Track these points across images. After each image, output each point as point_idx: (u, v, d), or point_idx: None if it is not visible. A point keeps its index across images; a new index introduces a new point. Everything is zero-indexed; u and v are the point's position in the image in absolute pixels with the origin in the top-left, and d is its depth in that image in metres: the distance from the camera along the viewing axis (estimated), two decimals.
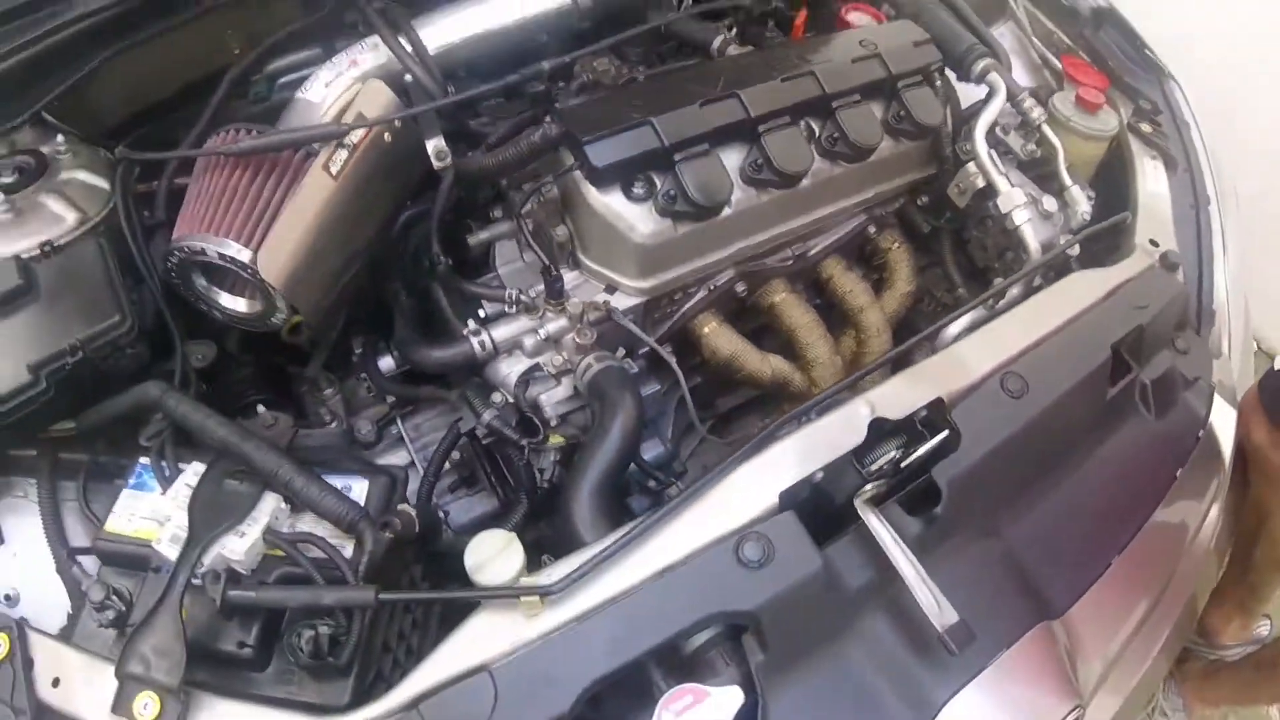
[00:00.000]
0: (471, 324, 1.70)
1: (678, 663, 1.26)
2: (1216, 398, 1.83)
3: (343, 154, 1.55)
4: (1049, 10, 2.48)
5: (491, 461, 1.84)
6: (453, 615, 1.32)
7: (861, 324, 1.97)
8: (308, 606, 1.20)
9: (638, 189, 1.66)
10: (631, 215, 1.66)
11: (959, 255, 2.14)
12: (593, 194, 1.65)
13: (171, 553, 1.23)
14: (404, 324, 1.81)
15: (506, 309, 1.71)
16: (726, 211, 1.71)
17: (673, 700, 1.20)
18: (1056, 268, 1.88)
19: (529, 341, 1.70)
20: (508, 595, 1.21)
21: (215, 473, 1.31)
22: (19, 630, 1.21)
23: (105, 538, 1.32)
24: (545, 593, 1.21)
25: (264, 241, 1.48)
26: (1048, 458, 1.59)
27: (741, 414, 2.13)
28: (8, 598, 1.38)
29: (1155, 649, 1.60)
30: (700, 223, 1.70)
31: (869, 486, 1.35)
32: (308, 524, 1.31)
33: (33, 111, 1.67)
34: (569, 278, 1.75)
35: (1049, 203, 1.91)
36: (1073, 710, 1.38)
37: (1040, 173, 2.00)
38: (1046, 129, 1.96)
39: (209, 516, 1.26)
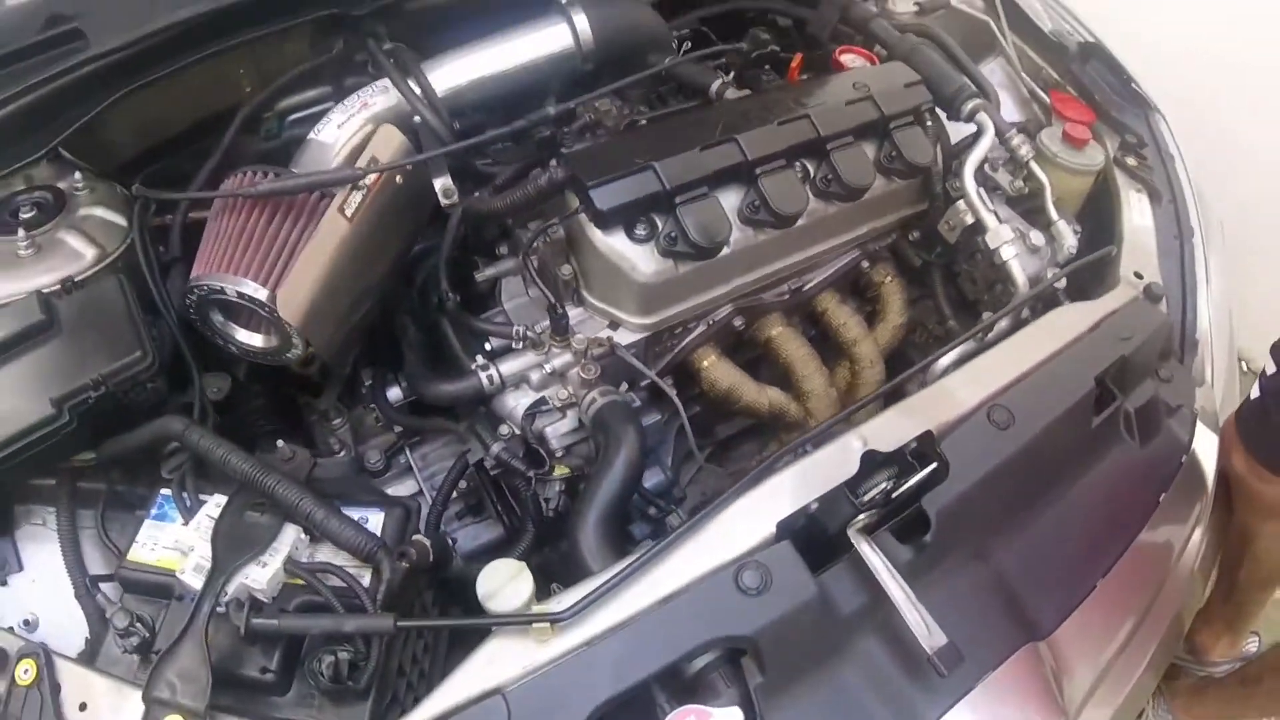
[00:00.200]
0: (480, 359, 1.73)
1: (681, 684, 1.28)
2: (1199, 424, 1.86)
3: (357, 197, 1.60)
4: (1037, 46, 2.53)
5: (498, 490, 1.88)
6: (462, 639, 1.37)
7: (855, 355, 2.01)
8: (328, 633, 1.24)
9: (640, 230, 1.70)
10: (634, 256, 1.70)
11: (950, 288, 2.17)
12: (597, 236, 1.69)
13: (195, 582, 1.27)
14: (414, 358, 1.84)
15: (513, 345, 1.75)
16: (725, 251, 1.75)
17: None
18: (1044, 300, 1.92)
19: (535, 376, 1.73)
20: (520, 622, 1.25)
21: (237, 505, 1.35)
22: (45, 656, 1.23)
23: (128, 566, 1.35)
24: (555, 619, 1.25)
25: (282, 281, 1.52)
26: (1034, 485, 1.61)
27: (740, 441, 2.17)
28: (27, 622, 1.40)
29: (1141, 666, 1.62)
30: (700, 262, 1.74)
31: (862, 516, 1.37)
32: (326, 554, 1.35)
33: (50, 147, 1.70)
34: (573, 314, 1.79)
35: (1036, 237, 1.94)
36: None
37: (1028, 207, 2.04)
38: (1034, 165, 2.00)
39: (231, 547, 1.29)
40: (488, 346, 1.79)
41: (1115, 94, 2.39)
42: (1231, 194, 3.03)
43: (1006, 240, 1.89)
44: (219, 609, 1.24)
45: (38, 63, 1.75)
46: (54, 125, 1.72)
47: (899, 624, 1.31)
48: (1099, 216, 2.17)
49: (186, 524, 1.38)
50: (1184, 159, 2.31)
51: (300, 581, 1.31)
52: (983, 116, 1.98)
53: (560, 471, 1.70)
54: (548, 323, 1.73)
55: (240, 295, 1.52)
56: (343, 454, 1.87)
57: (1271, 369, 2.02)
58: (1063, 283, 1.92)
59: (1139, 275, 1.95)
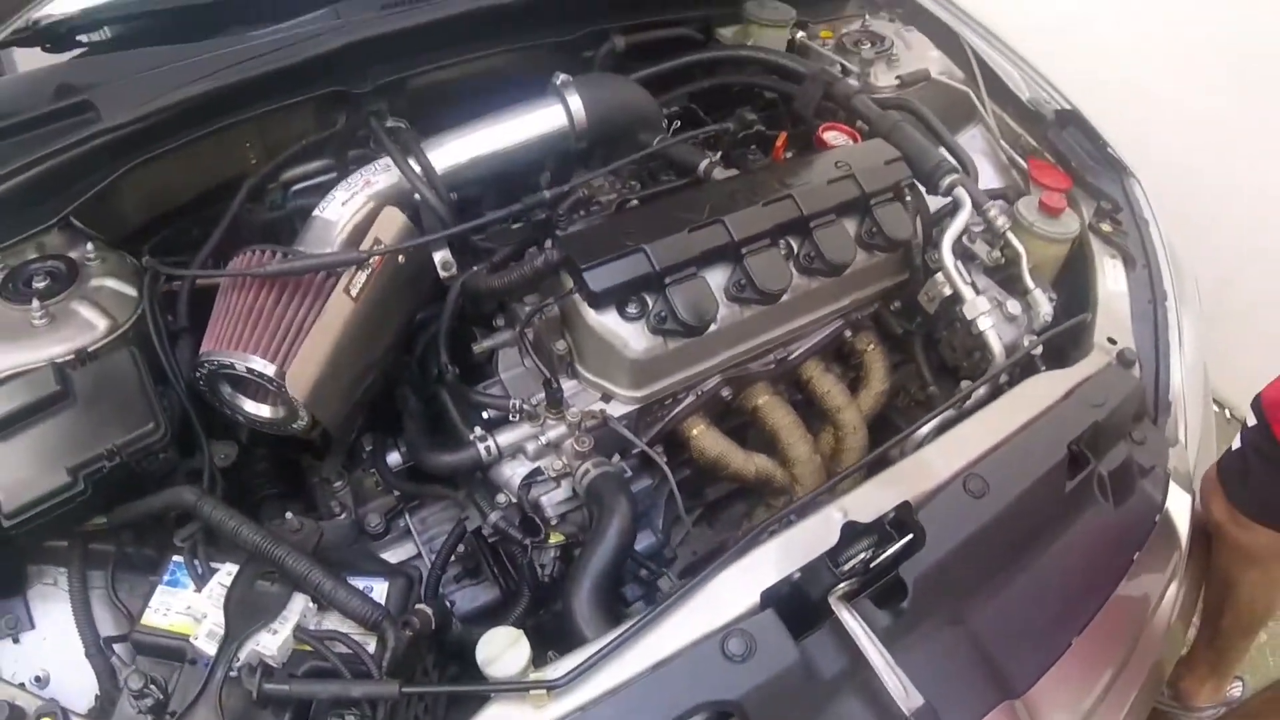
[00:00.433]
0: (478, 430, 1.78)
1: None
2: (1172, 484, 1.89)
3: (362, 277, 1.66)
4: (1016, 114, 2.59)
5: (495, 555, 1.91)
6: (462, 702, 1.40)
7: (839, 422, 2.05)
8: (336, 698, 1.28)
9: (631, 309, 1.75)
10: (626, 333, 1.76)
11: (931, 354, 2.21)
12: (591, 315, 1.75)
13: (209, 647, 1.32)
14: (414, 428, 1.89)
15: (510, 416, 1.79)
16: (713, 328, 1.80)
17: None
18: (1022, 365, 1.96)
19: (531, 446, 1.78)
20: (517, 688, 1.29)
21: (248, 574, 1.40)
22: (63, 716, 1.28)
23: (142, 631, 1.40)
24: (551, 686, 1.28)
25: (290, 358, 1.57)
26: (1010, 550, 1.64)
27: (729, 503, 2.20)
28: (38, 679, 1.43)
29: (1122, 714, 1.65)
30: (689, 339, 1.79)
31: (842, 584, 1.40)
32: (334, 622, 1.39)
33: (62, 216, 1.75)
34: (568, 387, 1.84)
35: (1013, 306, 2.00)
36: None
37: (1005, 275, 2.09)
38: (1010, 236, 2.05)
39: (243, 614, 1.34)
40: (485, 417, 1.84)
41: (1091, 159, 2.44)
42: (1217, 247, 3.11)
43: (983, 311, 1.94)
44: (232, 674, 1.29)
45: (49, 132, 1.79)
46: (65, 194, 1.77)
47: (878, 686, 1.34)
48: (1075, 282, 2.21)
49: (199, 591, 1.42)
50: (1158, 222, 2.35)
51: (309, 648, 1.35)
52: (960, 191, 2.03)
53: (555, 539, 1.74)
54: (543, 395, 1.77)
55: (250, 371, 1.57)
56: (344, 516, 1.90)
57: (1252, 421, 2.07)
58: (1039, 349, 1.96)
59: (1113, 341, 1.99)
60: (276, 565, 1.40)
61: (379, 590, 1.46)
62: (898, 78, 2.50)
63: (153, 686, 1.31)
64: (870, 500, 1.57)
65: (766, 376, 2.03)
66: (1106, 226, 2.27)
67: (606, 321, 1.76)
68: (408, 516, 1.97)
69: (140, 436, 1.48)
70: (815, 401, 2.10)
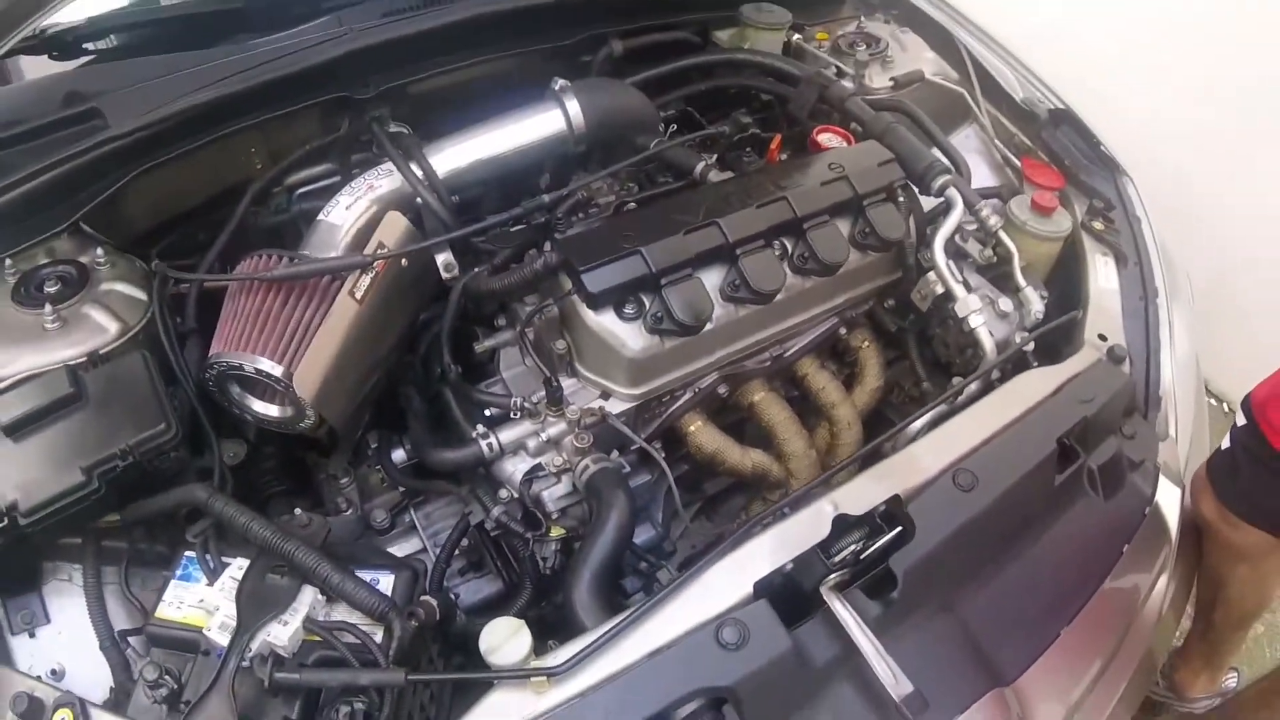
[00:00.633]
0: (480, 428, 1.81)
1: None
2: (1162, 477, 1.91)
3: (366, 280, 1.70)
4: (1010, 113, 2.60)
5: (497, 549, 1.95)
6: (466, 690, 1.44)
7: (834, 418, 2.08)
8: (345, 686, 1.32)
9: (629, 309, 1.79)
10: (623, 333, 1.79)
11: (924, 351, 2.23)
12: (589, 315, 1.78)
13: (221, 639, 1.37)
14: (418, 426, 1.92)
15: (512, 414, 1.82)
16: (708, 327, 1.82)
17: None
18: (1014, 361, 1.98)
19: (532, 443, 1.81)
20: (519, 675, 1.33)
21: (258, 568, 1.44)
22: (81, 706, 1.31)
23: (156, 623, 1.44)
24: (551, 673, 1.33)
25: (297, 359, 1.61)
26: (999, 541, 1.68)
27: (728, 496, 2.23)
28: (54, 672, 1.46)
29: (1113, 702, 1.67)
30: (685, 338, 1.82)
31: (833, 575, 1.44)
32: (342, 613, 1.43)
33: (71, 221, 1.79)
34: (567, 385, 1.87)
35: (1005, 303, 2.03)
36: None
37: (998, 273, 2.11)
38: (1003, 234, 2.07)
39: (255, 607, 1.38)
40: (488, 414, 1.87)
41: (1084, 158, 2.46)
42: (1216, 243, 3.15)
43: (974, 309, 1.96)
44: (244, 664, 1.33)
45: (58, 139, 1.84)
46: (75, 200, 1.80)
47: (869, 674, 1.38)
48: (1067, 279, 2.23)
49: (211, 584, 1.47)
50: (1150, 220, 2.36)
51: (318, 638, 1.38)
52: (952, 191, 2.04)
53: (556, 533, 1.78)
54: (544, 393, 1.81)
55: (258, 372, 1.61)
56: (350, 512, 1.94)
57: (1241, 421, 2.09)
58: (1031, 346, 1.98)
59: (1103, 337, 2.01)
60: (286, 559, 1.43)
61: (385, 583, 1.50)
62: (892, 79, 2.53)
63: (167, 677, 1.35)
64: (861, 494, 1.60)
65: (762, 373, 2.06)
66: (1099, 224, 2.29)
67: (604, 321, 1.79)
68: (413, 512, 2.00)
69: (152, 436, 1.52)
70: (811, 398, 2.13)
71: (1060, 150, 2.47)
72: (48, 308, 1.66)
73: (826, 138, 2.22)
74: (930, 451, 1.71)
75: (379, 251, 1.74)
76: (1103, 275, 2.20)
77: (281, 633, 1.36)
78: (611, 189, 2.18)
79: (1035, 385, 1.86)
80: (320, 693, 1.36)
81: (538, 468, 1.82)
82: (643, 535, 1.96)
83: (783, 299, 1.92)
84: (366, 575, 1.48)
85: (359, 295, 1.69)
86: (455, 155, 1.98)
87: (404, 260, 1.79)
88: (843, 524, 1.50)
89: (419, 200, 1.89)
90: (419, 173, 1.91)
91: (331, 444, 1.94)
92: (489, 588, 1.94)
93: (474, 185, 2.05)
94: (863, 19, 2.74)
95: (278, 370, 1.60)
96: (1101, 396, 1.84)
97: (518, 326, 1.89)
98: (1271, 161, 3.33)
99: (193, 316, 1.86)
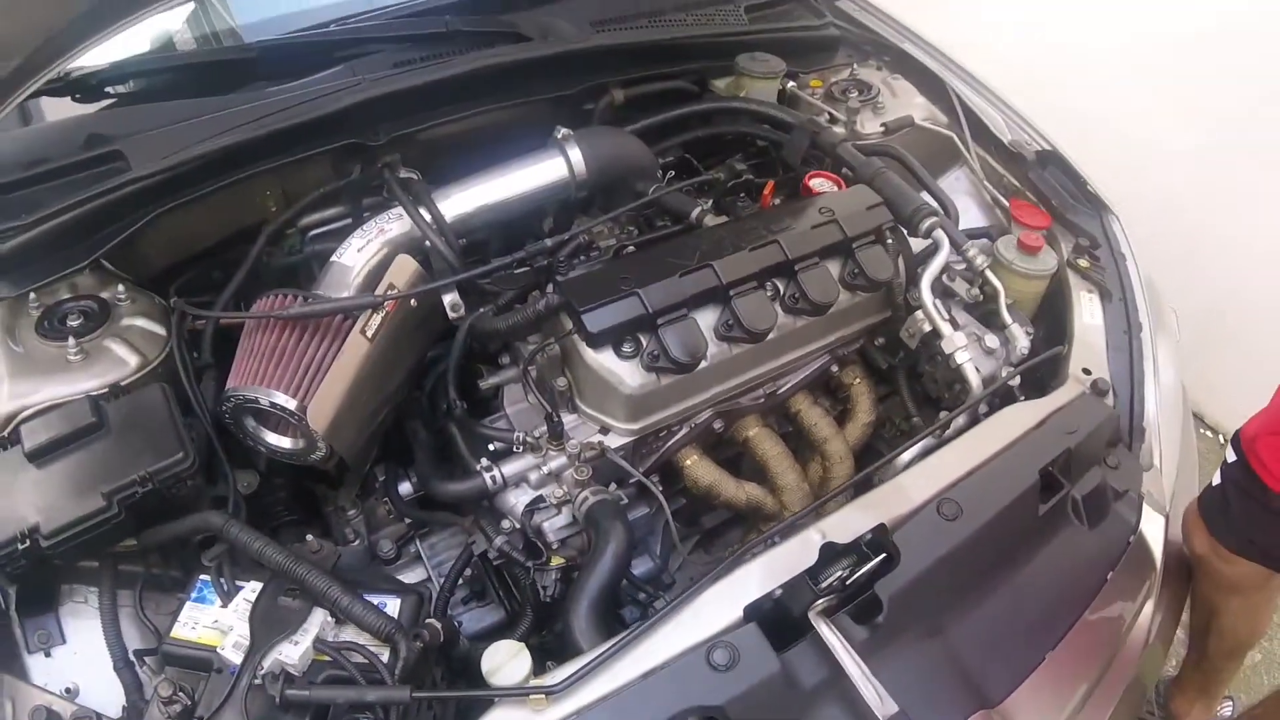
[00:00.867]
0: (484, 461, 1.86)
1: None
2: (1146, 506, 1.94)
3: (377, 319, 1.76)
4: (999, 155, 2.64)
5: (499, 578, 1.99)
6: (468, 708, 1.49)
7: (827, 452, 2.11)
8: (353, 703, 1.37)
9: (627, 348, 1.84)
10: (621, 371, 1.84)
11: (914, 386, 2.27)
12: (589, 354, 1.84)
13: (235, 657, 1.42)
14: (424, 459, 1.97)
15: (514, 448, 1.87)
16: (703, 365, 1.87)
17: None
18: (1001, 395, 2.03)
19: (534, 476, 1.86)
20: (519, 694, 1.38)
21: (271, 590, 1.50)
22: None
23: (172, 643, 1.49)
24: (549, 692, 1.37)
25: (310, 394, 1.67)
26: (984, 569, 1.70)
27: (724, 530, 2.27)
28: (68, 690, 1.50)
29: None
30: (680, 375, 1.87)
31: (821, 600, 1.48)
32: (350, 634, 1.48)
33: (93, 258, 1.84)
34: (568, 420, 1.92)
35: (991, 340, 2.07)
36: None
37: (985, 311, 2.16)
38: (989, 273, 2.11)
39: (267, 627, 1.44)
40: (491, 448, 1.92)
41: (1072, 197, 2.50)
42: (1206, 274, 3.21)
43: (960, 346, 2.00)
44: (256, 681, 1.39)
45: (81, 179, 1.89)
46: (97, 238, 1.86)
47: (855, 696, 1.42)
48: (1053, 315, 2.27)
49: (225, 606, 1.52)
50: (1135, 256, 2.39)
51: (328, 658, 1.43)
52: (939, 233, 2.08)
53: (556, 562, 1.82)
54: (545, 428, 1.86)
55: (274, 405, 1.67)
56: (357, 543, 1.99)
57: (1232, 457, 2.13)
58: (1017, 380, 2.02)
59: (1087, 371, 2.05)
60: (298, 582, 1.49)
61: (392, 606, 1.54)
62: (883, 124, 2.57)
63: (181, 694, 1.40)
64: (849, 523, 1.65)
65: (757, 410, 2.10)
66: (1084, 262, 2.32)
67: (603, 360, 1.85)
68: (418, 542, 2.05)
69: (170, 464, 1.57)
70: (804, 433, 2.17)
71: (1048, 190, 2.51)
72: (71, 340, 1.72)
73: (818, 183, 2.26)
74: (916, 482, 1.75)
75: (389, 292, 1.79)
76: (1087, 311, 2.23)
77: (292, 652, 1.41)
78: (612, 233, 2.24)
79: (1020, 418, 1.90)
80: (329, 709, 1.40)
81: (539, 499, 1.87)
82: (641, 567, 2.00)
83: (775, 338, 1.97)
84: (374, 599, 1.52)
85: (370, 334, 1.75)
86: (462, 201, 2.03)
87: (413, 301, 1.84)
88: (830, 552, 1.54)
89: (427, 243, 1.93)
90: (428, 217, 1.95)
91: (340, 476, 1.99)
92: (491, 616, 1.97)
93: (480, 229, 2.10)
94: (855, 66, 2.79)
95: (292, 404, 1.66)
96: (1085, 428, 1.88)
97: (521, 364, 1.95)
98: (1267, 190, 3.39)
99: (209, 351, 1.91)
